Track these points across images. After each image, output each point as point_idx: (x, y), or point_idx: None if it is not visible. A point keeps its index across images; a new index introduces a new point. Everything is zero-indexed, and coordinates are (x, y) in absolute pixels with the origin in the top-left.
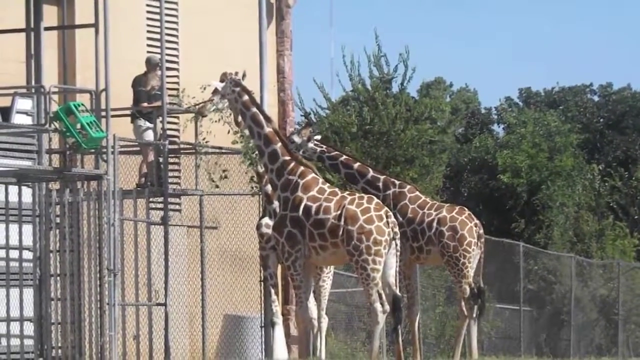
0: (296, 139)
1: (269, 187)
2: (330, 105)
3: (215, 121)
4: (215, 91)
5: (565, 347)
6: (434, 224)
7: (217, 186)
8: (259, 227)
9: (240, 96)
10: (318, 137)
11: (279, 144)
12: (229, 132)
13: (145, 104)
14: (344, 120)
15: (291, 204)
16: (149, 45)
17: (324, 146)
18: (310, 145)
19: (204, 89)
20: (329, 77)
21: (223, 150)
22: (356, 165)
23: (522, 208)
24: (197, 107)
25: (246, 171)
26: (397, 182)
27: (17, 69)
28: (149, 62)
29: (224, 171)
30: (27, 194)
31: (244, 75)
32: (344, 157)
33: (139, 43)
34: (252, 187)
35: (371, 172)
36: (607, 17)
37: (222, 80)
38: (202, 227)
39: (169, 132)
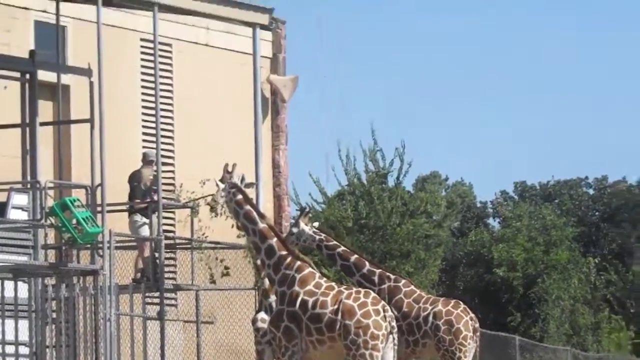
0: (294, 229)
1: (266, 281)
2: (326, 200)
3: (215, 216)
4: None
5: None
6: (430, 318)
7: (213, 281)
8: (254, 321)
9: (234, 195)
10: (316, 224)
11: (275, 239)
12: (232, 226)
13: (140, 200)
14: (340, 215)
15: (288, 298)
16: (144, 140)
17: (323, 235)
18: (309, 232)
19: (204, 183)
20: (324, 171)
21: (220, 245)
22: (353, 258)
23: (518, 301)
24: (209, 198)
25: (248, 266)
26: (392, 277)
27: (13, 164)
28: (145, 157)
29: (225, 268)
30: (23, 289)
31: (233, 166)
32: (342, 248)
33: (134, 138)
34: (257, 282)
35: (367, 266)
36: (601, 110)
37: (224, 173)
38: (199, 322)
39: (164, 227)
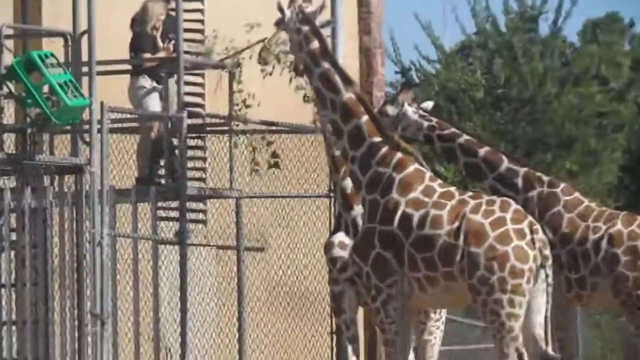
0: (390, 110)
1: (347, 183)
2: (443, 57)
3: (267, 74)
4: (281, 22)
5: None
6: (604, 244)
7: (259, 175)
8: (329, 247)
9: (307, 41)
10: (428, 104)
11: (365, 118)
12: (291, 80)
13: (149, 55)
14: (464, 80)
15: (382, 211)
16: None
17: (434, 120)
18: (413, 116)
19: (251, 28)
20: (439, 11)
21: (277, 128)
22: (483, 151)
23: None
24: (256, 50)
25: (319, 159)
26: (545, 179)
27: None
28: None
29: (273, 155)
30: None
31: (321, 7)
32: (465, 137)
33: None
34: (332, 185)
35: (506, 162)
36: None
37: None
38: (240, 248)
39: (188, 99)
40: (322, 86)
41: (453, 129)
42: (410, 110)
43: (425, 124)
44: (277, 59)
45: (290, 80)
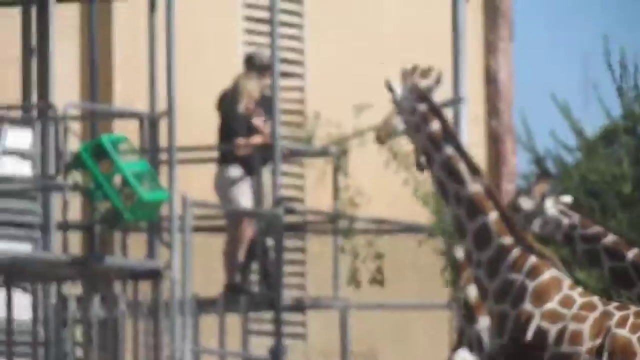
0: (525, 204)
1: (471, 291)
2: (584, 144)
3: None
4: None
5: None
6: None
7: (356, 287)
8: None
9: (425, 121)
10: (568, 198)
11: (494, 215)
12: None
13: (243, 141)
14: (609, 172)
15: (514, 324)
16: (248, 32)
17: (576, 216)
18: (552, 212)
19: (360, 110)
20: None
21: (390, 227)
22: (632, 253)
23: None
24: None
25: (436, 263)
26: None
27: (5, 75)
28: (250, 62)
29: (378, 270)
30: (21, 303)
31: (438, 78)
32: (611, 238)
33: (230, 30)
34: (454, 294)
35: None
36: None
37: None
38: None
39: (286, 192)
40: (445, 176)
41: (597, 228)
42: (549, 205)
43: (566, 221)
44: (395, 134)
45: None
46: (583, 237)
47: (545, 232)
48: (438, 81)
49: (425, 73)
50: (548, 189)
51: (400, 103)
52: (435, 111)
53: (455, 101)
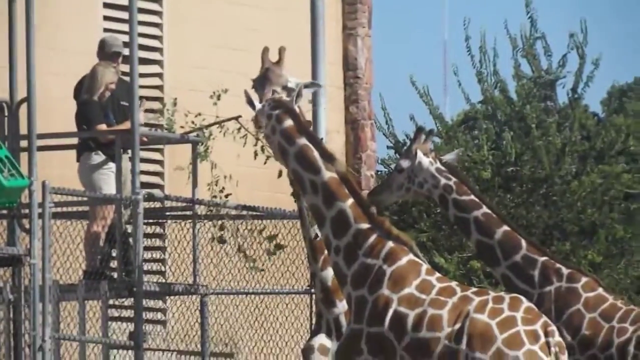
0: (404, 163)
1: (328, 275)
2: (443, 129)
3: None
4: (264, 84)
5: None
6: (631, 348)
7: (256, 270)
8: (308, 352)
9: (279, 122)
10: (451, 156)
11: (350, 201)
12: (256, 155)
13: (104, 126)
14: (468, 157)
15: (370, 309)
16: (107, 19)
17: (453, 179)
18: (430, 169)
19: (218, 96)
20: (440, 75)
21: (249, 213)
22: (500, 231)
23: None
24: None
25: (297, 248)
26: (565, 272)
27: None
28: (105, 47)
29: (270, 239)
30: None
31: (281, 50)
32: (483, 211)
33: (90, 13)
34: (313, 279)
35: (524, 249)
36: None
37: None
38: (206, 353)
39: (145, 179)
40: (300, 166)
41: (472, 197)
42: (426, 162)
43: (443, 181)
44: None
45: (255, 156)
46: (456, 202)
47: (424, 189)
48: (298, 94)
49: (281, 52)
50: (427, 148)
51: (259, 113)
52: (290, 112)
53: (314, 85)
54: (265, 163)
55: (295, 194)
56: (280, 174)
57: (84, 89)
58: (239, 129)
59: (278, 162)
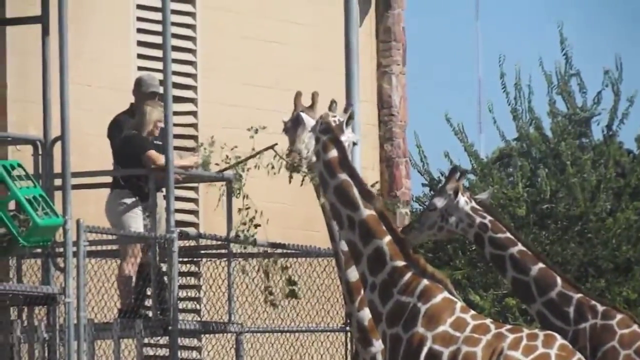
0: (438, 202)
1: (365, 315)
2: (478, 167)
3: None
4: (289, 130)
5: None
6: None
7: (274, 307)
8: None
9: (325, 150)
10: (484, 195)
11: (387, 239)
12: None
13: (154, 152)
14: (503, 194)
15: (405, 347)
16: (141, 57)
17: (488, 218)
18: (465, 208)
19: (255, 131)
20: (473, 114)
21: (282, 251)
22: (536, 268)
23: None
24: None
25: (333, 286)
26: (600, 309)
27: None
28: (142, 86)
29: (289, 283)
30: None
31: (331, 104)
32: (519, 248)
33: (123, 54)
34: (348, 317)
35: (559, 286)
36: None
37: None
38: None
39: (179, 217)
40: (338, 201)
41: (508, 235)
42: (462, 201)
43: (478, 220)
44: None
45: (290, 179)
46: (491, 240)
47: (456, 231)
48: (352, 117)
49: (314, 98)
50: (461, 188)
51: (313, 129)
52: (336, 141)
53: (349, 109)
54: (301, 185)
55: (325, 216)
56: (302, 183)
57: (131, 125)
58: (272, 166)
59: (310, 198)
